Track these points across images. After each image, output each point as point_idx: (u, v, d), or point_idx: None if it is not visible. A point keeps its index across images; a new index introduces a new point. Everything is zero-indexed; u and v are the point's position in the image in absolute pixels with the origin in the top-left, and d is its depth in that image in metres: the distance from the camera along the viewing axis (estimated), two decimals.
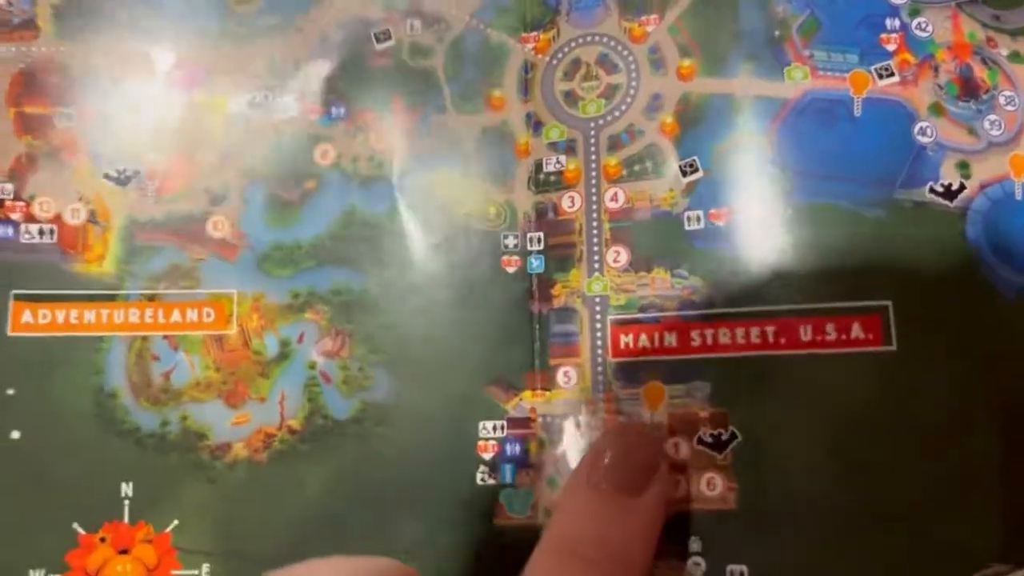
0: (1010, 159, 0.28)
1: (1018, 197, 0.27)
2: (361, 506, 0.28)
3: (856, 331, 0.27)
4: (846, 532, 0.26)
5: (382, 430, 0.29)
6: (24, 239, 0.30)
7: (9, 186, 0.30)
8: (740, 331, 0.27)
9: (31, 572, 0.28)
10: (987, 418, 0.26)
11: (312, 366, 0.29)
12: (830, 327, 0.27)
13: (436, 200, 0.30)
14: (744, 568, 0.26)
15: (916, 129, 0.28)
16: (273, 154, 0.31)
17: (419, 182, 0.30)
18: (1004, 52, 0.29)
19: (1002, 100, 0.28)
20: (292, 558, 0.28)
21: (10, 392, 0.29)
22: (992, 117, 0.28)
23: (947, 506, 0.25)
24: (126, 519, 0.29)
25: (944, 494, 0.25)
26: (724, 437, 0.27)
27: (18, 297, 0.30)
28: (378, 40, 0.31)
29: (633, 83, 0.30)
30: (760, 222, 0.28)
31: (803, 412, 0.26)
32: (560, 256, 0.29)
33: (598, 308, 0.29)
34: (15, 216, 0.30)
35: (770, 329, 0.27)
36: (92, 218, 0.30)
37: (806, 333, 0.27)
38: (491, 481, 0.28)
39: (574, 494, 0.25)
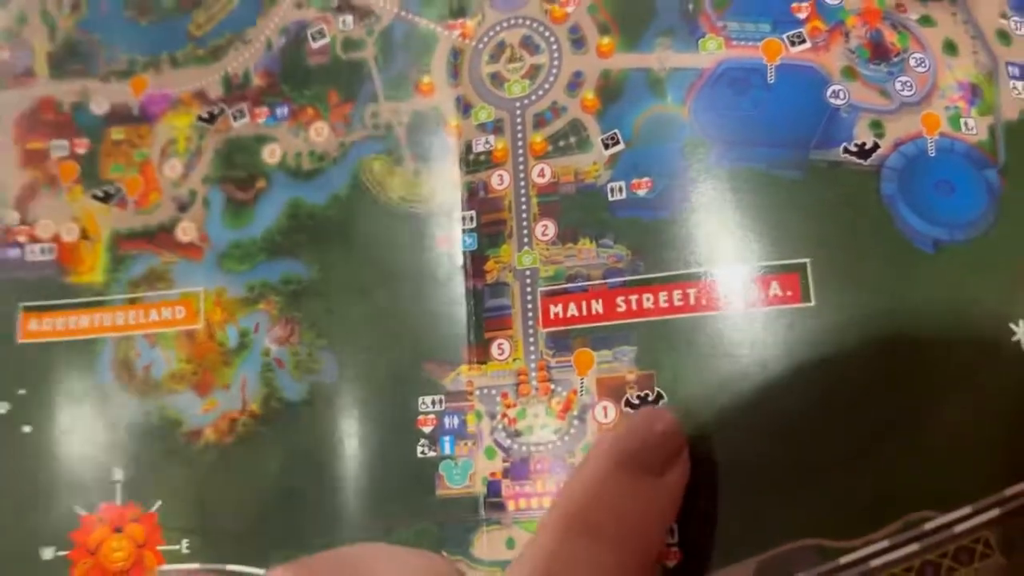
0: (922, 117, 0.25)
1: (931, 154, 0.25)
2: (316, 482, 0.27)
3: (775, 289, 0.25)
4: (771, 489, 0.24)
5: (331, 411, 0.28)
6: (29, 258, 0.31)
7: (15, 214, 0.32)
8: (663, 295, 0.26)
9: (42, 549, 0.29)
10: (907, 370, 0.23)
11: (267, 353, 0.29)
12: (751, 286, 0.25)
13: (372, 186, 0.29)
14: (674, 525, 0.24)
15: (829, 92, 0.26)
16: (229, 160, 0.30)
17: (355, 170, 0.29)
18: (914, 17, 0.26)
19: (912, 62, 0.26)
20: (260, 532, 0.28)
21: (22, 392, 0.30)
22: (903, 78, 0.26)
23: (870, 459, 0.23)
24: (118, 501, 0.29)
25: (866, 447, 0.23)
26: (650, 398, 0.25)
27: (26, 309, 0.31)
28: (314, 39, 0.30)
29: (555, 62, 0.28)
30: (680, 189, 0.26)
31: (725, 370, 0.24)
32: (492, 233, 0.28)
33: (528, 281, 0.27)
34: (21, 239, 0.31)
35: (692, 291, 0.25)
36: (84, 235, 0.31)
37: (727, 293, 0.25)
38: (431, 453, 0.27)
39: (595, 468, 0.22)
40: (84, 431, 0.30)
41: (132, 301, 0.30)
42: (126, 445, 0.29)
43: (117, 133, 0.32)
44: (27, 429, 0.30)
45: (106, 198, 0.31)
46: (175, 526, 0.28)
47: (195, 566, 0.28)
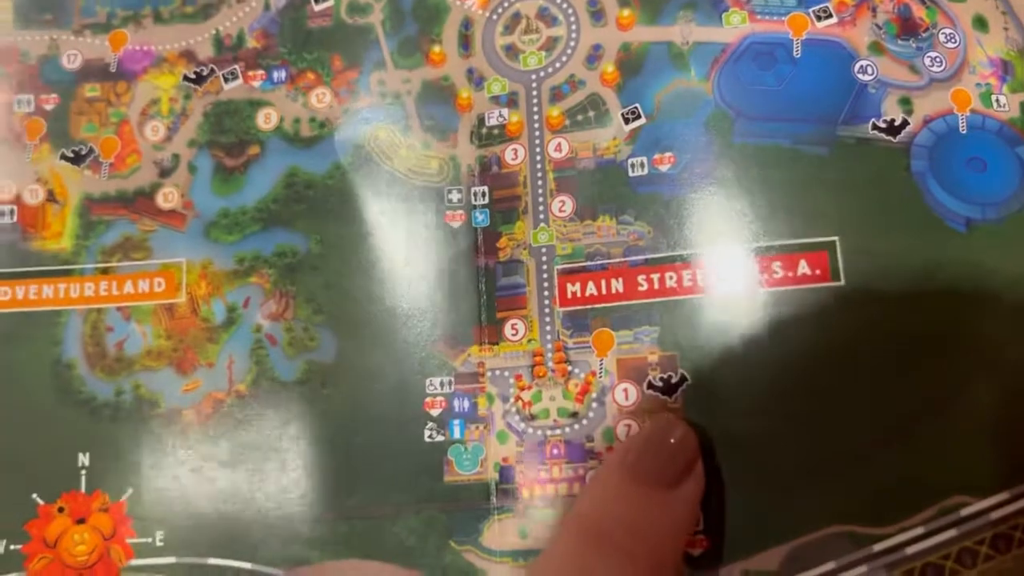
0: (952, 94, 0.25)
1: (962, 131, 0.24)
2: (310, 468, 0.25)
3: (803, 267, 0.24)
4: (799, 474, 0.22)
5: (328, 391, 0.25)
6: None
7: None
8: (687, 273, 0.24)
9: None
10: (938, 350, 0.22)
11: (258, 329, 0.26)
12: (777, 265, 0.24)
13: (377, 157, 0.27)
14: (699, 514, 0.23)
15: (856, 68, 0.25)
16: (218, 124, 0.28)
17: (360, 139, 0.27)
18: None
19: (942, 38, 0.25)
20: (247, 523, 0.25)
21: None
22: (932, 54, 0.25)
23: (901, 440, 0.22)
24: (83, 489, 0.26)
25: (897, 430, 0.22)
26: (674, 380, 0.24)
27: None
28: (316, 1, 0.28)
29: (573, 35, 0.27)
30: (703, 165, 0.25)
31: (752, 351, 0.23)
32: (505, 209, 0.26)
33: (544, 258, 0.25)
34: None
35: (716, 269, 0.24)
36: (51, 197, 0.28)
37: (753, 272, 0.24)
38: (440, 438, 0.25)
39: (609, 479, 0.22)
40: (44, 411, 0.26)
41: (104, 271, 0.27)
42: (93, 427, 0.26)
43: (91, 90, 0.29)
44: None
45: (77, 159, 0.28)
46: (148, 516, 0.26)
47: (172, 560, 0.25)
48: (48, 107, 0.29)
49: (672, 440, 0.22)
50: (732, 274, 0.24)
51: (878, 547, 0.22)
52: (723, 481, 0.23)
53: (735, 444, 0.23)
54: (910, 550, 0.22)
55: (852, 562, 0.22)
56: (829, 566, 0.22)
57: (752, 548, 0.23)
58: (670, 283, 0.24)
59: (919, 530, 0.22)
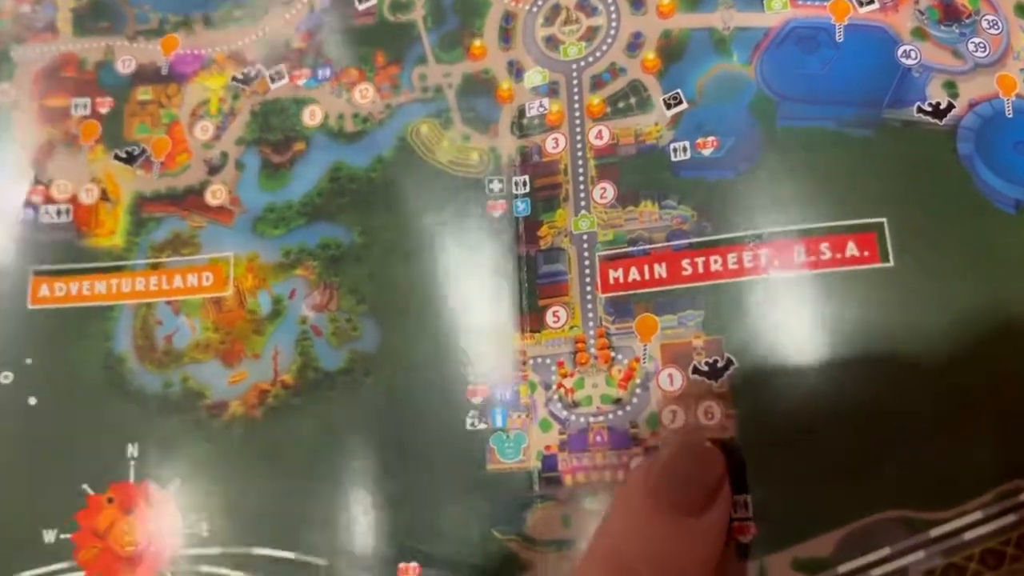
0: (997, 79, 0.24)
1: (1008, 114, 0.24)
2: (353, 457, 0.25)
3: (851, 249, 0.23)
4: (851, 458, 0.22)
5: (371, 379, 0.26)
6: (44, 220, 0.29)
7: (31, 172, 0.30)
8: (732, 256, 0.24)
9: (44, 532, 0.26)
10: (990, 331, 0.22)
11: (303, 321, 0.27)
12: (824, 247, 0.24)
13: (419, 150, 0.27)
14: (747, 497, 0.22)
15: (900, 52, 0.25)
16: (265, 122, 0.29)
17: (402, 133, 0.27)
18: None
19: (985, 24, 0.25)
20: (291, 513, 0.26)
21: (28, 361, 0.28)
22: (976, 40, 0.25)
23: (956, 424, 0.22)
24: (131, 479, 0.27)
25: (947, 412, 0.22)
26: (720, 364, 0.24)
27: (37, 273, 0.29)
28: (360, 0, 0.29)
29: (613, 24, 0.27)
30: (747, 147, 0.24)
31: (801, 333, 0.23)
32: (546, 197, 0.26)
33: (586, 245, 0.25)
34: (36, 199, 0.30)
35: (763, 252, 0.24)
36: (104, 196, 0.29)
37: (800, 254, 0.24)
38: (482, 426, 0.25)
39: (630, 505, 0.21)
40: (95, 404, 0.27)
41: (155, 266, 0.28)
42: (142, 419, 0.27)
43: (143, 93, 0.30)
44: (32, 401, 0.28)
45: (130, 159, 0.29)
46: (195, 506, 0.26)
47: (218, 550, 0.26)
48: (103, 110, 0.30)
49: (695, 467, 0.21)
50: (778, 256, 0.24)
51: (935, 532, 0.21)
52: (773, 466, 0.23)
53: (785, 428, 0.23)
54: (968, 535, 0.21)
55: (908, 548, 0.21)
56: (884, 552, 0.21)
57: (804, 534, 0.22)
58: (715, 267, 0.24)
59: (977, 515, 0.21)
